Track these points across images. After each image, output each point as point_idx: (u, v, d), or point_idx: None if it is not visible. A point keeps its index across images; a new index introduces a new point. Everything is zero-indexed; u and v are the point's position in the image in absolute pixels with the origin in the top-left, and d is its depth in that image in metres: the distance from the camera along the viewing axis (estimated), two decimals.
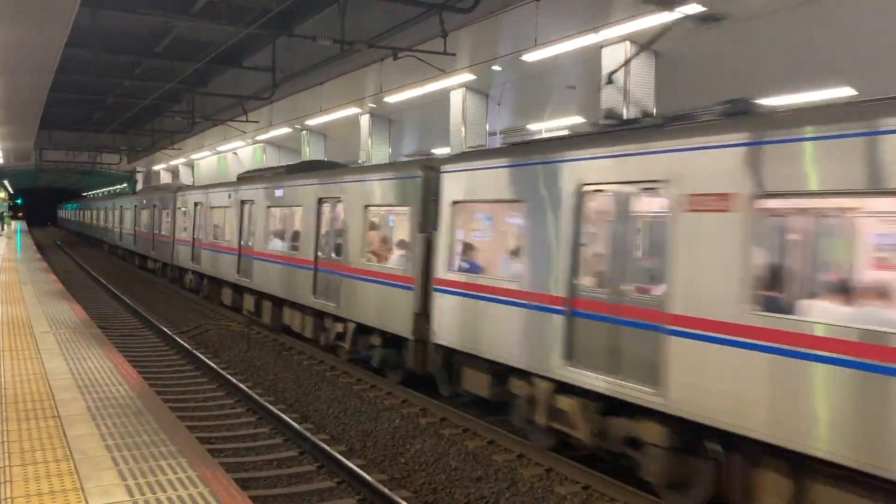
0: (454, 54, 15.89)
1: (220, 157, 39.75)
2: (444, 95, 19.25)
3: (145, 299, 22.46)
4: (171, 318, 18.91)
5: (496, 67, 16.56)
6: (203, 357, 13.70)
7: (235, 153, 37.29)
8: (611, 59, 14.09)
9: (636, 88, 13.87)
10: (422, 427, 9.86)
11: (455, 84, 18.20)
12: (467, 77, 17.23)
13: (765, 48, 13.08)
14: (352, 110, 22.91)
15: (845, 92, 13.42)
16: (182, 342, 15.00)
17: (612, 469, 8.17)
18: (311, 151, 28.81)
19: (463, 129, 19.06)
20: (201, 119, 30.14)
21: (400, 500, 7.06)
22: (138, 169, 56.19)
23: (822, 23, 11.90)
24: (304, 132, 28.59)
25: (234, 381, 11.86)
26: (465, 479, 8.14)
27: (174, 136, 38.44)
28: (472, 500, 7.63)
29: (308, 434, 9.06)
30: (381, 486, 7.37)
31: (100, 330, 11.80)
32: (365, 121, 24.18)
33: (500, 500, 7.59)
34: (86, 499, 4.75)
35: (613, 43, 13.77)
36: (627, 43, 13.67)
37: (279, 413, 9.99)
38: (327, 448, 8.55)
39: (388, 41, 16.92)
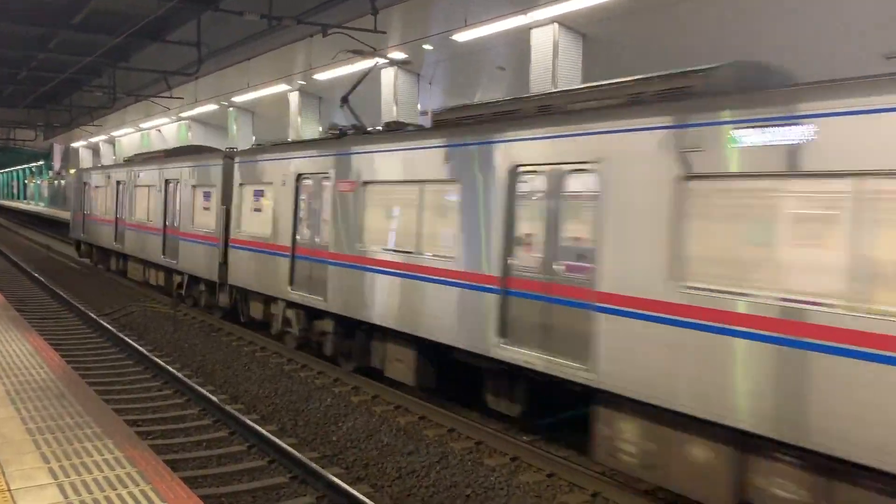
0: (385, 32, 15.79)
1: (144, 134, 38.54)
2: (375, 74, 19.12)
3: (66, 282, 21.71)
4: (94, 301, 18.35)
5: (427, 46, 16.55)
6: (128, 339, 13.38)
7: (159, 130, 36.20)
8: (539, 40, 14.26)
9: (564, 70, 14.10)
10: (353, 405, 9.93)
11: (386, 62, 18.09)
12: (398, 55, 17.16)
13: (689, 31, 13.47)
14: (280, 87, 22.53)
15: None
16: (106, 324, 14.61)
17: (538, 441, 8.43)
18: (239, 129, 28.22)
19: (395, 108, 19.01)
20: (123, 94, 29.09)
21: (331, 476, 7.12)
22: (56, 145, 53.96)
23: (741, 7, 12.34)
24: (232, 109, 27.95)
25: (161, 363, 11.64)
26: (397, 453, 8.26)
27: (94, 112, 37.01)
28: (404, 474, 7.75)
29: (237, 414, 9.00)
30: (312, 464, 7.41)
31: (17, 313, 11.39)
32: (294, 98, 23.82)
33: (430, 473, 7.74)
34: (7, 483, 4.64)
35: (542, 25, 13.94)
36: (556, 25, 13.86)
37: (208, 394, 9.88)
38: (257, 427, 8.52)
39: (318, 17, 16.68)
